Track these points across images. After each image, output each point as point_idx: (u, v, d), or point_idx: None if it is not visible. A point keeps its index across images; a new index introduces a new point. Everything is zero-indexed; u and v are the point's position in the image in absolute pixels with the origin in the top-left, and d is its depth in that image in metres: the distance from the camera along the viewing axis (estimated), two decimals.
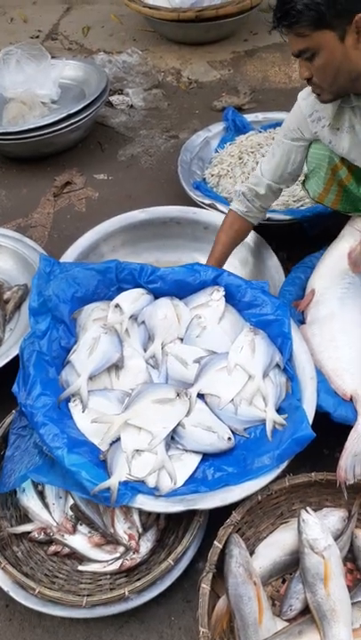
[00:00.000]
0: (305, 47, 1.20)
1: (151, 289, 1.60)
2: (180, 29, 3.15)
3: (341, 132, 1.43)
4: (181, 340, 1.53)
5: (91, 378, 1.38)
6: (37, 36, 3.50)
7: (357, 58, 1.20)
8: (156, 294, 1.60)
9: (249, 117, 2.47)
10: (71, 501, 1.31)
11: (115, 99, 2.83)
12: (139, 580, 1.16)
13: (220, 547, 1.16)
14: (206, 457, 1.30)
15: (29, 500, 1.31)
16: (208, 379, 1.38)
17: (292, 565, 1.21)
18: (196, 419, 1.32)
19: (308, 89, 1.39)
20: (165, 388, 1.37)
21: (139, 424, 1.28)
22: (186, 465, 1.28)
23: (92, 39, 3.41)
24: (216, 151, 2.34)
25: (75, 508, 1.30)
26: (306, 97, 1.45)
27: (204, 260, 1.80)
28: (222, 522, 1.19)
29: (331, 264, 1.64)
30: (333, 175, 1.57)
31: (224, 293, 1.55)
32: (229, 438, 1.31)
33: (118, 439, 1.30)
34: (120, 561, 1.23)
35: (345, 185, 1.58)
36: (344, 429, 1.32)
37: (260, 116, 2.51)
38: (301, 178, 1.72)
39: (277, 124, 2.40)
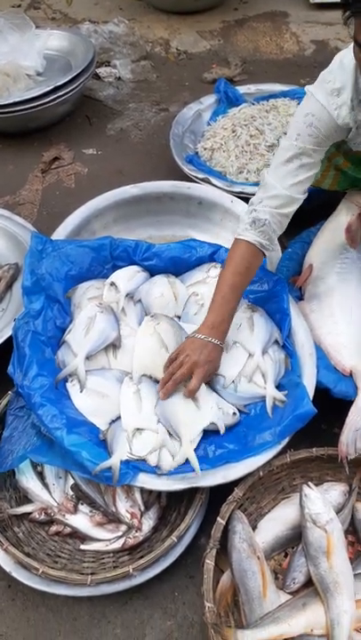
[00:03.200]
0: None
1: (147, 266, 1.57)
2: None
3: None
4: (179, 317, 1.51)
5: (88, 357, 1.36)
6: (19, 5, 3.36)
7: None
8: (152, 271, 1.57)
9: (241, 89, 2.41)
10: (71, 481, 1.30)
11: (102, 71, 2.74)
12: (142, 557, 1.16)
13: (224, 523, 1.16)
14: (207, 434, 1.29)
15: (29, 481, 1.30)
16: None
17: (294, 539, 1.22)
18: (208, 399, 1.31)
19: (334, 96, 1.23)
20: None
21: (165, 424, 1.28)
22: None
23: (77, 8, 3.28)
24: (208, 124, 2.29)
25: (75, 487, 1.28)
26: (339, 107, 1.24)
27: (198, 236, 1.77)
28: (224, 498, 1.19)
29: (328, 239, 1.62)
30: (330, 162, 1.54)
31: (220, 269, 1.53)
32: (234, 413, 1.30)
33: (118, 418, 1.29)
34: (123, 539, 1.22)
35: (343, 169, 1.55)
36: (343, 405, 1.32)
37: (252, 87, 2.45)
38: None
39: (271, 95, 2.37)
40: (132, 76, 2.77)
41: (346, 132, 1.30)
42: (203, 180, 1.96)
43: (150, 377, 1.34)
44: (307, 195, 1.35)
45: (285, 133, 1.36)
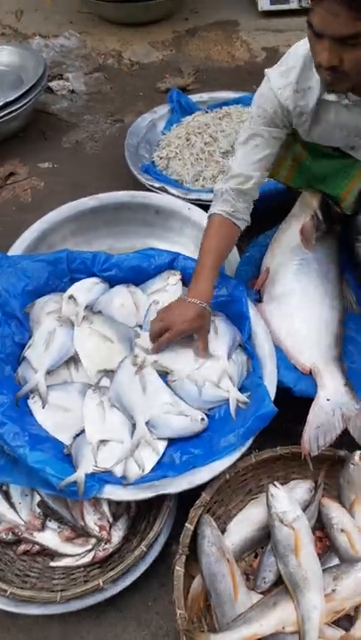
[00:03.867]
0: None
1: (106, 277, 1.57)
2: (119, 10, 3.06)
3: (327, 123, 1.35)
4: (140, 327, 1.51)
5: (49, 372, 1.35)
6: None
7: None
8: (112, 282, 1.57)
9: (194, 98, 2.45)
10: (38, 498, 1.28)
11: (55, 84, 2.74)
12: (112, 569, 1.16)
13: (192, 528, 1.16)
14: (173, 441, 1.30)
15: None
16: (177, 361, 1.38)
17: (263, 540, 1.23)
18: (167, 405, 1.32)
19: (281, 76, 1.30)
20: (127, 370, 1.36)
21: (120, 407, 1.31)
22: (153, 451, 1.27)
23: (26, 23, 3.27)
24: (163, 133, 2.31)
25: (42, 504, 1.27)
26: (283, 87, 1.32)
27: (157, 244, 1.78)
28: (194, 503, 1.20)
29: (284, 241, 1.65)
30: (287, 151, 1.55)
31: (180, 277, 1.54)
32: (203, 419, 1.31)
33: (83, 431, 1.29)
34: (92, 553, 1.22)
35: (300, 160, 1.58)
36: (307, 403, 1.35)
37: (204, 96, 2.48)
38: None
39: (224, 103, 2.41)
40: (85, 88, 2.77)
41: (290, 114, 1.36)
42: (159, 188, 1.97)
43: (111, 371, 1.36)
44: (267, 174, 1.46)
45: None
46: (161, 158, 2.17)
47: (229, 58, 3.01)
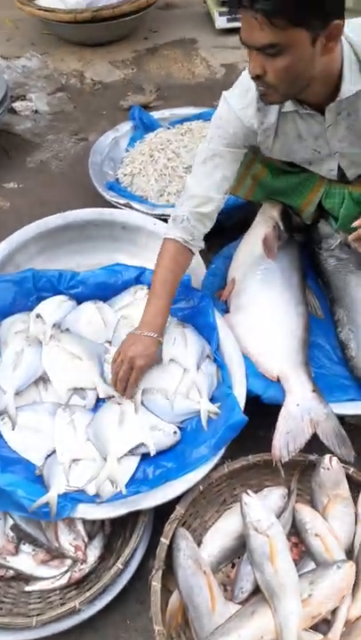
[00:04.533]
0: (276, 41, 1.05)
1: (73, 294, 1.57)
2: (79, 31, 3.10)
3: (286, 136, 1.37)
4: (110, 342, 1.51)
5: (17, 393, 1.34)
6: None
7: (319, 65, 1.13)
8: (79, 299, 1.58)
9: (156, 115, 2.48)
10: (11, 522, 1.26)
11: (18, 105, 2.75)
12: (89, 589, 1.14)
13: (167, 542, 1.16)
14: (145, 456, 1.30)
15: None
16: (147, 376, 1.38)
17: (239, 549, 1.23)
18: (140, 420, 1.32)
19: (240, 97, 1.32)
20: (108, 406, 1.35)
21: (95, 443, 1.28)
22: (126, 467, 1.27)
23: None
24: (127, 150, 2.33)
25: (15, 527, 1.25)
26: (245, 107, 1.32)
27: (125, 260, 1.79)
28: (169, 516, 1.19)
29: (247, 252, 1.68)
30: (248, 170, 1.58)
31: (147, 291, 1.55)
32: (175, 432, 1.31)
33: (54, 451, 1.27)
34: (68, 574, 1.20)
35: (259, 178, 1.61)
36: (276, 410, 1.36)
37: (166, 112, 2.52)
38: None
39: (185, 119, 2.45)
40: (48, 108, 2.79)
41: (254, 134, 1.37)
42: (125, 205, 1.99)
43: (82, 389, 1.35)
44: (226, 195, 1.44)
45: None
46: (125, 175, 2.19)
47: (190, 75, 3.07)
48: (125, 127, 2.39)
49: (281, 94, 1.18)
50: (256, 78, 1.14)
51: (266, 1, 1.00)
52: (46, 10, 3.01)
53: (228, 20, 3.26)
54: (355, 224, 1.22)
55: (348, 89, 1.20)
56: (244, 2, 1.03)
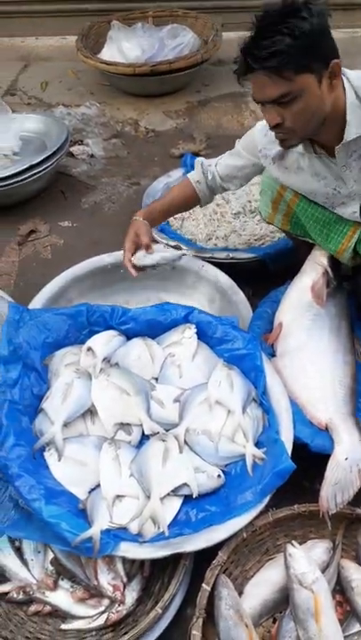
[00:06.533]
0: (288, 91, 1.19)
1: (123, 330, 1.61)
2: (136, 83, 3.29)
3: (290, 171, 1.51)
4: (156, 379, 1.53)
5: (65, 425, 1.35)
6: None
7: (329, 101, 1.25)
8: (129, 335, 1.61)
9: None
10: (51, 555, 1.25)
11: (75, 149, 2.91)
12: (126, 633, 1.11)
13: (209, 589, 1.13)
14: (188, 497, 1.28)
15: (6, 558, 1.25)
16: (193, 415, 1.38)
17: (282, 603, 1.19)
18: (183, 460, 1.31)
19: (265, 123, 1.40)
20: (152, 443, 1.34)
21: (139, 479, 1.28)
22: (169, 507, 1.25)
23: (51, 94, 3.51)
24: None
25: (55, 561, 1.24)
26: (261, 130, 1.52)
27: (171, 299, 1.83)
28: (208, 562, 1.17)
29: (295, 297, 1.69)
30: (281, 196, 1.65)
31: (195, 330, 1.58)
32: (219, 476, 1.30)
33: (98, 486, 1.28)
34: (105, 615, 1.18)
35: (292, 205, 1.64)
36: (323, 459, 1.34)
37: None
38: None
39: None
40: (104, 153, 2.93)
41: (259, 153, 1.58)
42: (174, 246, 2.03)
43: (128, 425, 1.36)
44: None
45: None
46: (175, 218, 2.26)
47: (239, 125, 3.18)
48: (177, 173, 2.49)
49: (299, 136, 1.31)
50: (275, 127, 1.27)
51: (273, 59, 1.15)
52: (108, 63, 3.21)
53: None
54: None
55: (352, 132, 1.29)
56: (253, 66, 1.18)
